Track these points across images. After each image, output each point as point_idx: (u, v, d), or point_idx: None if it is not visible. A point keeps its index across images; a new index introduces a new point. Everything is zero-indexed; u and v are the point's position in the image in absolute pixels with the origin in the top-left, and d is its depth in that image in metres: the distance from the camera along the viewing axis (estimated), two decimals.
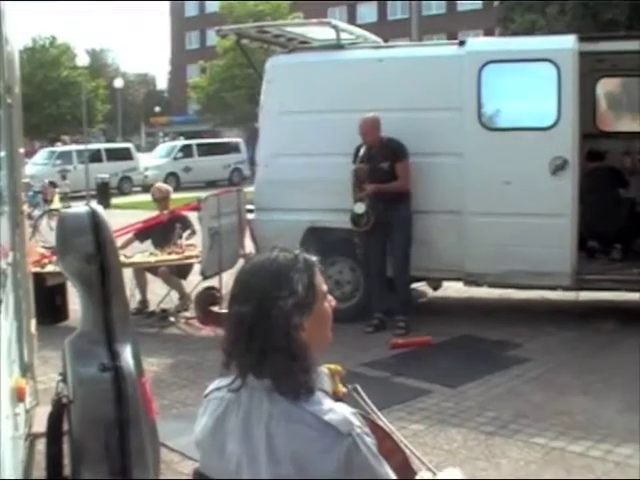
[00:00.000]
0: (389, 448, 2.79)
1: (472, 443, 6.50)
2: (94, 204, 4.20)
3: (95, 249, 3.94)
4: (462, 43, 10.31)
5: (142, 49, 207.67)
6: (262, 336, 2.43)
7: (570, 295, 10.48)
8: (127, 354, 3.98)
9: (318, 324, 2.55)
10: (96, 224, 3.99)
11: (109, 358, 3.91)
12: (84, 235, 3.96)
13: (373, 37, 11.92)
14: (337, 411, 2.43)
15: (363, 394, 3.07)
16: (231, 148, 42.74)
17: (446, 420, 7.00)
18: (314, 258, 2.62)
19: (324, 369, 2.71)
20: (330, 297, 2.65)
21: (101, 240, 3.97)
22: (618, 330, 9.68)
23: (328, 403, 2.47)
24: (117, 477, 3.75)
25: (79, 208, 4.13)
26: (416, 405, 7.39)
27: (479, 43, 11.10)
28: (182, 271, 11.17)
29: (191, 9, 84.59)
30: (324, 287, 2.61)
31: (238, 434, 2.49)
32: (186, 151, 42.37)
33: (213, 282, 10.44)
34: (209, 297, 10.42)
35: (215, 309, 9.92)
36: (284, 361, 2.42)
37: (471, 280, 10.18)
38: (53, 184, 28.01)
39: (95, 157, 38.67)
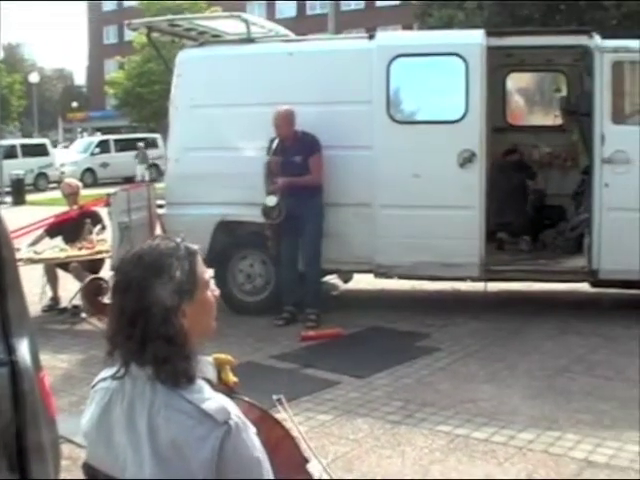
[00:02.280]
0: (278, 436, 2.81)
1: (378, 432, 6.56)
2: None
3: None
4: (372, 37, 10.32)
5: (59, 43, 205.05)
6: (142, 323, 2.43)
7: (480, 286, 10.61)
8: (24, 349, 3.92)
9: (200, 312, 2.55)
10: None
11: (5, 353, 3.86)
12: None
13: (284, 31, 11.91)
14: (215, 400, 2.45)
15: (286, 405, 3.09)
16: (148, 144, 42.29)
17: (353, 410, 7.05)
18: (196, 246, 2.63)
19: (209, 358, 2.72)
20: (213, 287, 2.66)
21: None
22: (525, 319, 9.85)
23: (208, 392, 2.49)
24: (15, 474, 3.70)
25: None
26: (324, 396, 7.43)
27: (388, 37, 11.22)
28: (94, 266, 11.04)
29: (109, 3, 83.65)
30: (206, 276, 2.62)
31: (123, 424, 2.51)
32: (103, 147, 41.92)
33: None
34: (96, 288, 10.37)
35: (102, 299, 9.88)
36: (163, 347, 2.42)
37: (381, 272, 10.23)
38: None
39: (10, 153, 37.71)
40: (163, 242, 2.58)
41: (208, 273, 2.65)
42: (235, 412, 2.44)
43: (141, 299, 2.45)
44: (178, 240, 2.59)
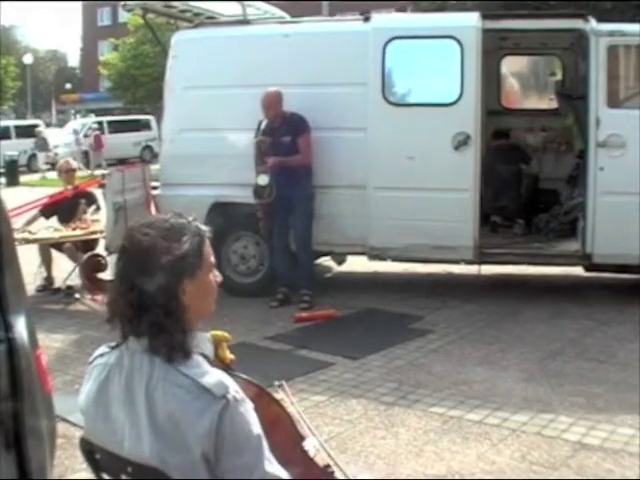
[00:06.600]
0: (274, 414, 2.82)
1: (372, 413, 6.57)
2: None
3: None
4: (367, 19, 10.27)
5: (53, 25, 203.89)
6: (142, 289, 2.45)
7: (473, 269, 10.62)
8: (21, 326, 3.91)
9: (200, 292, 2.56)
10: None
11: (2, 330, 3.85)
12: None
13: (280, 12, 11.89)
14: (213, 374, 2.46)
15: (288, 391, 3.11)
16: (142, 125, 42.14)
17: (347, 391, 7.07)
18: (206, 228, 2.65)
19: (206, 334, 2.74)
20: (217, 272, 2.67)
21: None
22: (518, 303, 9.87)
23: (205, 367, 2.51)
24: (11, 450, 3.70)
25: None
26: (318, 377, 7.44)
27: (384, 19, 11.11)
28: (88, 247, 11.02)
29: None
30: (212, 259, 2.64)
31: (121, 398, 2.52)
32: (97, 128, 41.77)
33: None
34: (94, 264, 10.31)
35: (101, 276, 9.83)
36: (159, 317, 2.44)
37: (375, 254, 10.23)
38: None
39: (3, 134, 37.67)
40: (175, 217, 2.60)
41: (213, 258, 2.65)
42: (233, 387, 2.45)
43: (144, 263, 2.47)
44: (190, 218, 2.62)
